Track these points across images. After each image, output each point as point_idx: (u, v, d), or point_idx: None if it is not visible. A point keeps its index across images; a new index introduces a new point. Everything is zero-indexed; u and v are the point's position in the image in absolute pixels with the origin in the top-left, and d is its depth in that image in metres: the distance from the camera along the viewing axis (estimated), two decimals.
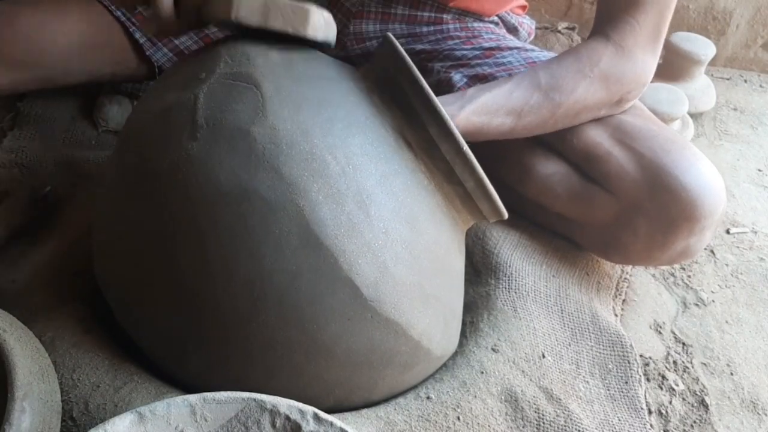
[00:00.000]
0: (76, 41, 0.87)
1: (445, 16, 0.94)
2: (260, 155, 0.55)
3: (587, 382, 0.73)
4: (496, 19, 0.99)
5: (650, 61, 0.77)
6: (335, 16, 0.94)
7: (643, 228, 0.76)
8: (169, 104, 0.60)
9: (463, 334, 0.75)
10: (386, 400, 0.66)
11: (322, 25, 0.63)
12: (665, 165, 0.74)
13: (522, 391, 0.69)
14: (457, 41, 0.92)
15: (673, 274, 0.95)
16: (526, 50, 0.90)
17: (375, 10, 0.92)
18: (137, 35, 0.91)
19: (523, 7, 1.03)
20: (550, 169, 0.82)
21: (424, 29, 0.94)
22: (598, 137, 0.79)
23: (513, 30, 1.01)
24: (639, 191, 0.75)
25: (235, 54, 0.61)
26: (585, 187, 0.80)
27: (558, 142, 0.81)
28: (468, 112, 0.70)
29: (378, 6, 0.92)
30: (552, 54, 0.90)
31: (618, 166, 0.76)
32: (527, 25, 1.04)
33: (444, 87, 0.87)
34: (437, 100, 0.59)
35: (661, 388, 0.79)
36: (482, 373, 0.70)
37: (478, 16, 0.96)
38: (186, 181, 0.56)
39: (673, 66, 1.24)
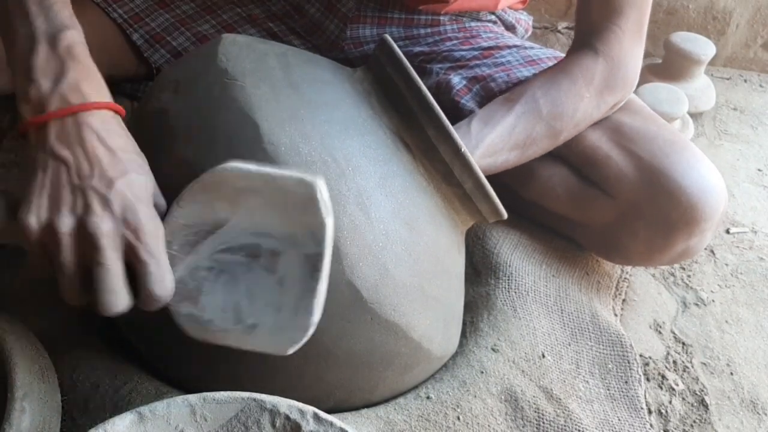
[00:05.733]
0: None
1: (441, 18, 0.93)
2: (259, 156, 0.55)
3: (587, 381, 0.73)
4: (493, 17, 0.98)
5: (637, 59, 0.78)
6: (332, 21, 0.94)
7: (643, 231, 0.76)
8: (165, 106, 0.60)
9: (463, 334, 0.75)
10: (386, 401, 0.66)
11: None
12: (664, 168, 0.74)
13: (522, 390, 0.69)
14: (455, 42, 0.92)
15: (673, 274, 0.95)
16: (525, 48, 0.90)
17: (371, 15, 0.92)
18: (134, 37, 0.91)
19: (523, 1, 1.03)
20: (551, 171, 0.82)
21: (422, 31, 0.93)
22: (597, 141, 0.79)
23: (511, 27, 1.01)
24: (638, 195, 0.75)
25: (231, 54, 0.61)
26: (585, 189, 0.80)
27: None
28: (477, 157, 0.69)
29: (374, 11, 0.92)
30: (550, 51, 0.89)
31: (617, 169, 0.76)
32: (524, 21, 1.04)
33: (443, 89, 0.87)
34: (435, 102, 0.59)
35: (661, 388, 0.79)
36: (482, 372, 0.70)
37: (476, 15, 0.96)
38: (184, 183, 0.56)
39: (673, 66, 1.24)
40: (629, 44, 0.76)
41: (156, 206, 0.51)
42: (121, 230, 0.47)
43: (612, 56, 0.75)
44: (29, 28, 0.51)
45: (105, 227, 0.47)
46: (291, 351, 0.50)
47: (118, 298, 0.48)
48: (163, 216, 0.51)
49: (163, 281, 0.49)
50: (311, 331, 0.49)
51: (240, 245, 0.50)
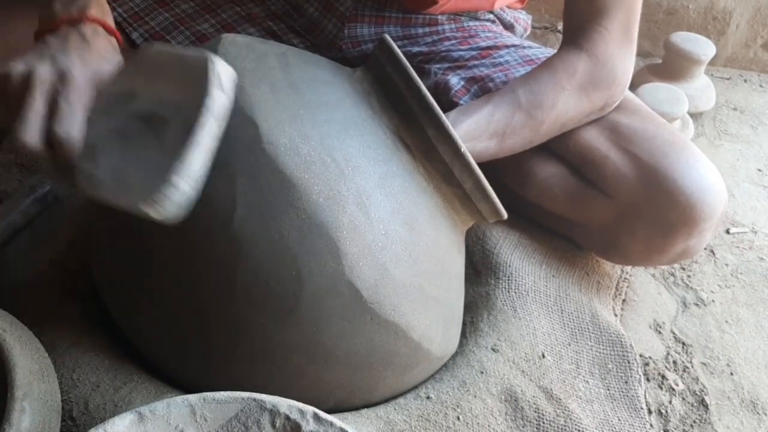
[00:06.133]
0: None
1: (439, 17, 0.93)
2: (258, 156, 0.55)
3: (587, 381, 0.73)
4: (492, 16, 0.98)
5: (626, 61, 0.77)
6: (330, 21, 0.94)
7: (642, 231, 0.76)
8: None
9: (463, 334, 0.75)
10: (386, 401, 0.66)
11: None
12: (662, 168, 0.74)
13: (522, 391, 0.69)
14: (454, 42, 0.92)
15: (673, 274, 0.95)
16: (523, 47, 0.90)
17: (369, 14, 0.92)
18: (134, 35, 0.91)
19: (522, 0, 1.03)
20: (549, 171, 0.82)
21: (419, 30, 0.93)
22: (595, 141, 0.78)
23: (510, 27, 1.01)
24: (636, 195, 0.75)
25: (230, 54, 0.61)
26: (583, 189, 0.80)
27: (556, 145, 0.81)
28: None
29: (372, 10, 0.92)
30: (549, 50, 0.89)
31: (615, 169, 0.76)
32: (523, 20, 1.04)
33: (441, 90, 0.87)
34: (435, 102, 0.59)
35: (661, 388, 0.79)
36: (482, 372, 0.70)
37: (474, 14, 0.96)
38: None
39: (673, 66, 1.24)
40: (616, 45, 0.75)
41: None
42: (55, 80, 0.57)
43: (596, 54, 0.75)
44: None
45: (42, 73, 0.56)
46: (148, 209, 0.51)
47: (28, 129, 0.55)
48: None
49: (69, 126, 0.55)
50: (172, 192, 0.51)
51: (144, 114, 0.55)
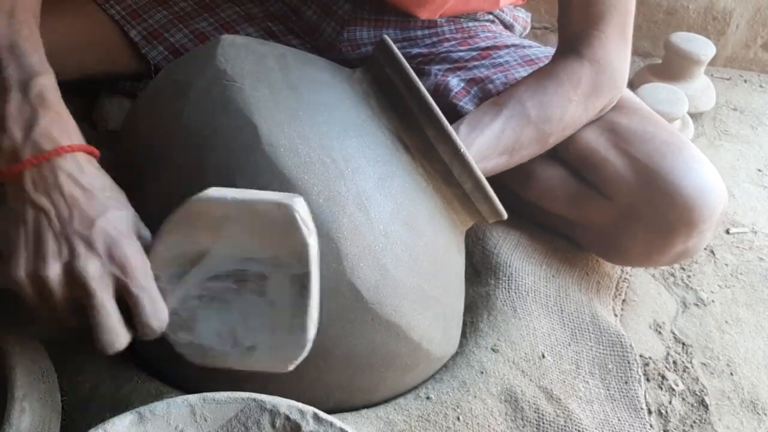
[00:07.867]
0: (70, 40, 0.86)
1: (438, 19, 0.93)
2: (258, 158, 0.55)
3: (587, 382, 0.73)
4: (491, 17, 0.98)
5: (624, 63, 0.77)
6: (329, 24, 0.93)
7: (642, 232, 0.76)
8: (163, 106, 0.60)
9: (463, 334, 0.75)
10: (386, 401, 0.66)
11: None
12: (661, 169, 0.74)
13: (522, 391, 0.69)
14: (453, 43, 0.92)
15: (672, 274, 0.95)
16: (523, 47, 0.90)
17: (368, 17, 0.92)
18: (132, 33, 0.91)
19: None
20: (550, 172, 0.82)
21: (419, 33, 0.93)
22: (594, 143, 0.78)
23: (509, 26, 1.01)
24: (635, 197, 0.75)
25: (230, 55, 0.61)
26: (583, 191, 0.80)
27: (557, 146, 0.81)
28: None
29: (370, 13, 0.92)
30: (549, 49, 0.89)
31: (614, 172, 0.76)
32: (522, 18, 1.03)
33: (441, 91, 0.87)
34: (434, 103, 0.59)
35: (661, 388, 0.79)
36: (482, 373, 0.70)
37: (473, 15, 0.96)
38: (183, 184, 0.56)
39: (673, 66, 1.24)
40: (614, 48, 0.75)
41: (140, 238, 0.51)
42: (109, 268, 0.48)
43: (597, 60, 0.75)
44: (1, 75, 0.52)
45: (92, 269, 0.48)
46: (291, 368, 0.52)
47: (116, 336, 0.49)
48: (149, 246, 0.51)
49: (156, 313, 0.49)
50: (308, 347, 0.51)
51: (227, 272, 0.51)
